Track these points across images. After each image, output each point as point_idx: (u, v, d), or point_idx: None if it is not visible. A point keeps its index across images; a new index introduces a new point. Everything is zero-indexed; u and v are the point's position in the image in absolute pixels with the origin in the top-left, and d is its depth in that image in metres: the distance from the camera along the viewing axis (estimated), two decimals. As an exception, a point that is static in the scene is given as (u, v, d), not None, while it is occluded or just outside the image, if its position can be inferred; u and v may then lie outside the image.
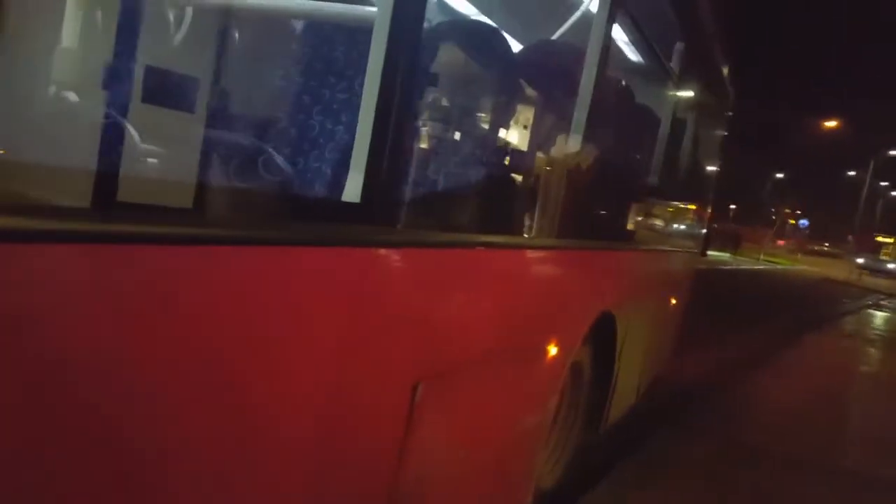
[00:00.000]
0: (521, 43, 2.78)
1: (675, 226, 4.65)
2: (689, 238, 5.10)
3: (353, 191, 1.19)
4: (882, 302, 18.38)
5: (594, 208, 2.76)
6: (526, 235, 2.18)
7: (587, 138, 2.25)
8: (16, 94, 0.94)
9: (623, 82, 2.91)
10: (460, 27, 2.30)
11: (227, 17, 1.48)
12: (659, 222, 4.06)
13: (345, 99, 1.51)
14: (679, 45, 3.40)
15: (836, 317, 12.52)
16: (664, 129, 3.57)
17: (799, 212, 64.38)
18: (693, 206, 5.22)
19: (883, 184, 45.45)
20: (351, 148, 1.22)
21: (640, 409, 3.94)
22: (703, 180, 5.50)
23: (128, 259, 0.82)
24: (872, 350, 8.95)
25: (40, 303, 0.74)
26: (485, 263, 1.79)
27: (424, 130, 1.64)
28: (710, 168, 5.68)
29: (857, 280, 28.39)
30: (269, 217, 1.12)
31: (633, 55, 3.09)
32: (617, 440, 3.45)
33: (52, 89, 1.13)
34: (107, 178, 0.82)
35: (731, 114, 5.71)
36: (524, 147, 2.17)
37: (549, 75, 2.29)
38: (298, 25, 1.66)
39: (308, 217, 1.17)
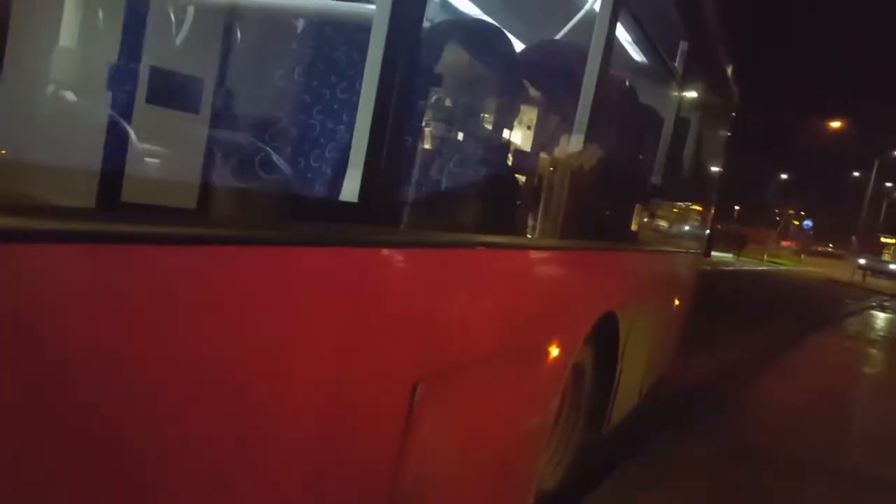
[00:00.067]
0: (522, 42, 2.78)
1: (679, 226, 4.64)
2: (692, 239, 5.08)
3: (353, 191, 1.19)
4: (885, 303, 18.31)
5: (597, 208, 2.75)
6: (527, 235, 2.17)
7: (590, 138, 2.24)
8: (21, 95, 0.94)
9: (627, 82, 2.91)
10: (459, 26, 2.29)
11: (228, 16, 1.48)
12: (662, 223, 4.04)
13: (345, 98, 1.51)
14: (683, 46, 3.39)
15: (840, 318, 12.48)
16: (668, 129, 3.55)
17: (803, 213, 64.36)
18: (697, 207, 5.20)
19: (888, 184, 45.31)
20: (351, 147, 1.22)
21: (642, 410, 3.94)
22: (707, 181, 5.48)
23: (131, 259, 0.83)
24: (875, 351, 8.92)
25: (45, 303, 0.74)
26: (485, 263, 1.78)
27: (424, 130, 1.64)
28: (715, 169, 5.67)
29: (860, 281, 28.30)
30: (272, 217, 1.12)
31: (636, 55, 3.08)
32: (619, 441, 3.45)
33: (57, 90, 1.14)
34: (111, 178, 0.83)
35: (735, 114, 5.69)
36: (525, 146, 2.16)
37: (550, 75, 2.28)
38: (298, 24, 1.66)
39: (309, 217, 1.17)
